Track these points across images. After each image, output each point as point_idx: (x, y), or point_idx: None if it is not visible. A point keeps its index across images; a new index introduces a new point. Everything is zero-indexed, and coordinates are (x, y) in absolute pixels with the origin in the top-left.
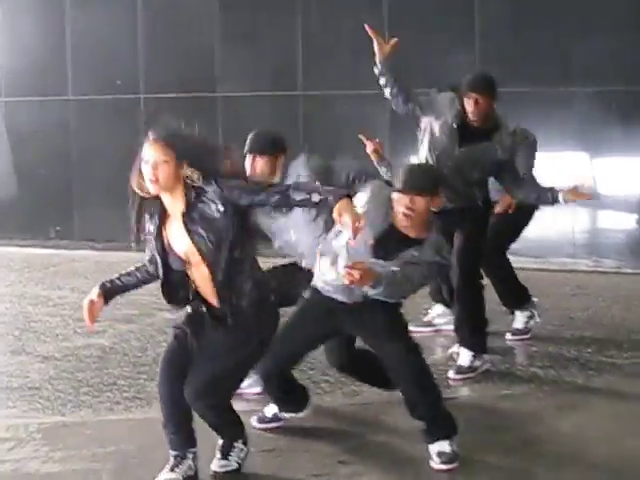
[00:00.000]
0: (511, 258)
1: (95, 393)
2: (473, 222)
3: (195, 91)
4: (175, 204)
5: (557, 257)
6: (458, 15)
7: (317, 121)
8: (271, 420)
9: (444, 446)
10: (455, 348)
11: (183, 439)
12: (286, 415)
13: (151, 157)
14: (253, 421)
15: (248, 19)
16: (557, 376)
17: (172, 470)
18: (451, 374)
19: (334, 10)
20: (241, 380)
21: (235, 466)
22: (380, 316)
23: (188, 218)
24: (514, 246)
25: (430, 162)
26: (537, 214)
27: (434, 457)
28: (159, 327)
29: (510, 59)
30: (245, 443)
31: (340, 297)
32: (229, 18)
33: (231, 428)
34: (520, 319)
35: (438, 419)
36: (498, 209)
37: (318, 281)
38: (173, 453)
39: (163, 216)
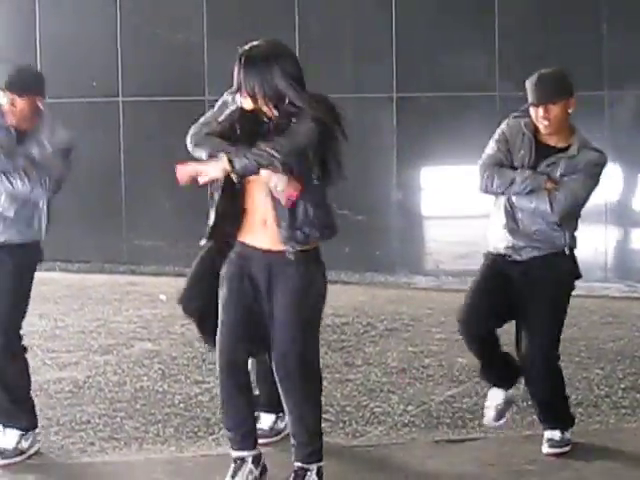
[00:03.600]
0: None
1: (66, 433)
2: None
3: (181, 94)
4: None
5: (586, 281)
6: (476, 11)
7: None
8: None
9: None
10: None
11: (242, 437)
12: None
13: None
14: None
15: (239, 14)
16: (586, 416)
17: (232, 478)
18: None
19: (335, 6)
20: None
21: None
22: None
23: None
24: None
25: None
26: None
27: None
28: (138, 359)
29: (533, 60)
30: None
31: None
32: (218, 13)
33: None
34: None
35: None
36: None
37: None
38: (234, 455)
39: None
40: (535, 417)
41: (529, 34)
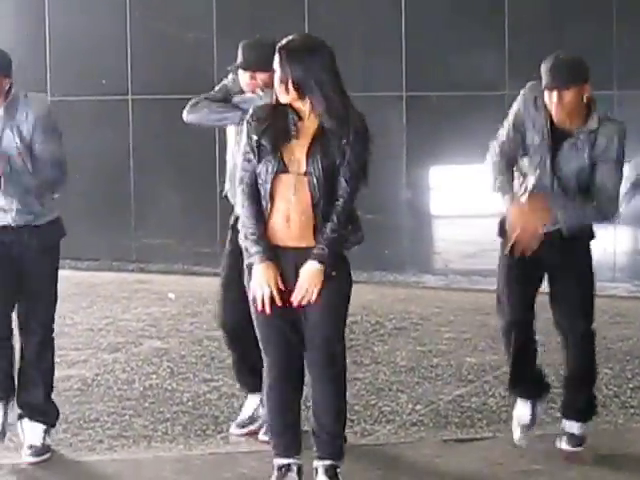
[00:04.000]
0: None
1: (75, 430)
2: None
3: (190, 92)
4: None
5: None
6: (486, 10)
7: None
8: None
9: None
10: None
11: (290, 441)
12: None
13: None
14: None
15: (249, 13)
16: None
17: None
18: None
19: (345, 4)
20: None
21: None
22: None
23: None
24: None
25: None
26: None
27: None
28: (146, 357)
29: (543, 59)
30: None
31: None
32: (228, 11)
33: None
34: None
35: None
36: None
37: None
38: (278, 463)
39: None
40: (543, 417)
41: (539, 33)
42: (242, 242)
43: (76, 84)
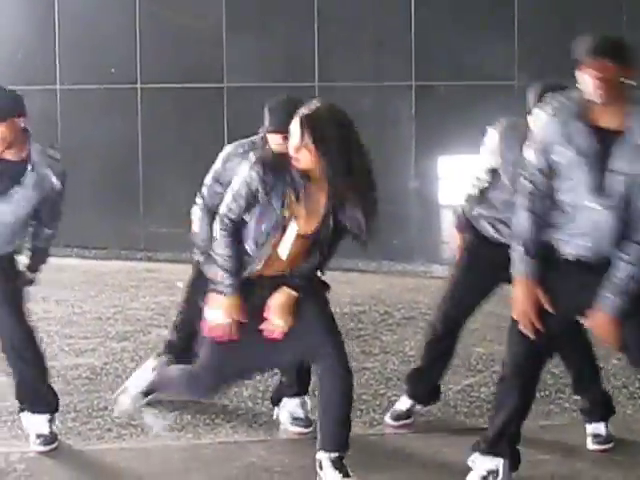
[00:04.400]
0: None
1: (84, 419)
2: None
3: (199, 81)
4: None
5: None
6: (495, 0)
7: None
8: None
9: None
10: None
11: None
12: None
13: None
14: (387, 419)
15: (259, 2)
16: None
17: None
18: None
19: None
20: None
21: None
22: None
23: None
24: None
25: None
26: None
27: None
28: (155, 345)
29: (552, 49)
30: None
31: None
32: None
33: None
34: None
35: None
36: None
37: None
38: None
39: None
40: (551, 407)
41: (548, 24)
42: (211, 267)
43: (85, 73)
